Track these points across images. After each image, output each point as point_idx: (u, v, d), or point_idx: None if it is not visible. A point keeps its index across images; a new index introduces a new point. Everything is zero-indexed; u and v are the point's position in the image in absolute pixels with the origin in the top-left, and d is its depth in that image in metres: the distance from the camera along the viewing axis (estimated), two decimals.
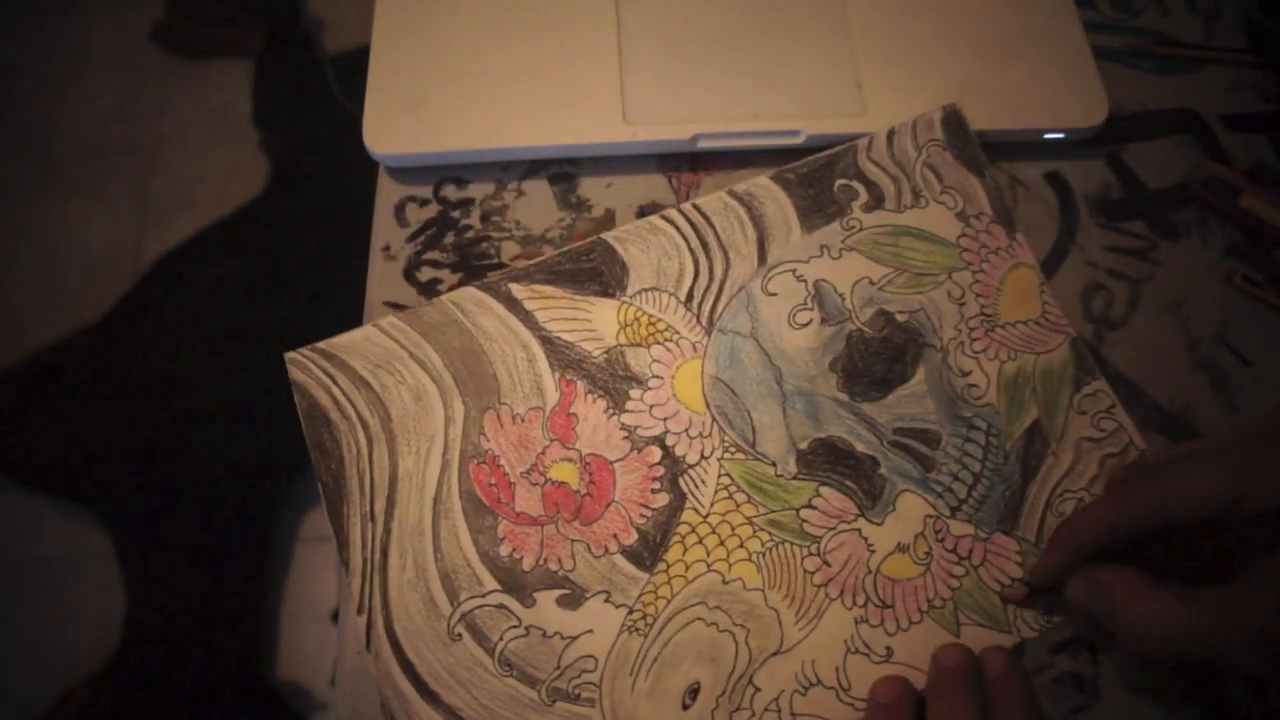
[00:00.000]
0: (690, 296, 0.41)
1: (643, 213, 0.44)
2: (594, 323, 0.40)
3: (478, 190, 0.45)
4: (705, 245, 0.42)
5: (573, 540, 0.37)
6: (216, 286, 1.22)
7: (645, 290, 0.41)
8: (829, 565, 0.37)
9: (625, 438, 0.39)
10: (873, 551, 0.37)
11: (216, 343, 1.17)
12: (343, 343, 0.40)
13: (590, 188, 0.45)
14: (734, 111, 0.44)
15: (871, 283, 0.41)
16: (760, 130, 0.43)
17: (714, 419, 0.39)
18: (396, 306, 0.42)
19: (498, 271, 0.42)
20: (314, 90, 1.32)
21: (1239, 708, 0.36)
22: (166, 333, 1.20)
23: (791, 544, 0.37)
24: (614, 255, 0.41)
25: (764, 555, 0.37)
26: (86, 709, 1.01)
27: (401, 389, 0.39)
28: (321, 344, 0.40)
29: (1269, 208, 0.43)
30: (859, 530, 0.38)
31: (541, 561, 0.37)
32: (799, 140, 0.43)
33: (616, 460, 0.38)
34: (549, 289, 0.41)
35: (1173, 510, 0.31)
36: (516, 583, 0.37)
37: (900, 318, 0.40)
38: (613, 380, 0.40)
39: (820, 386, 0.39)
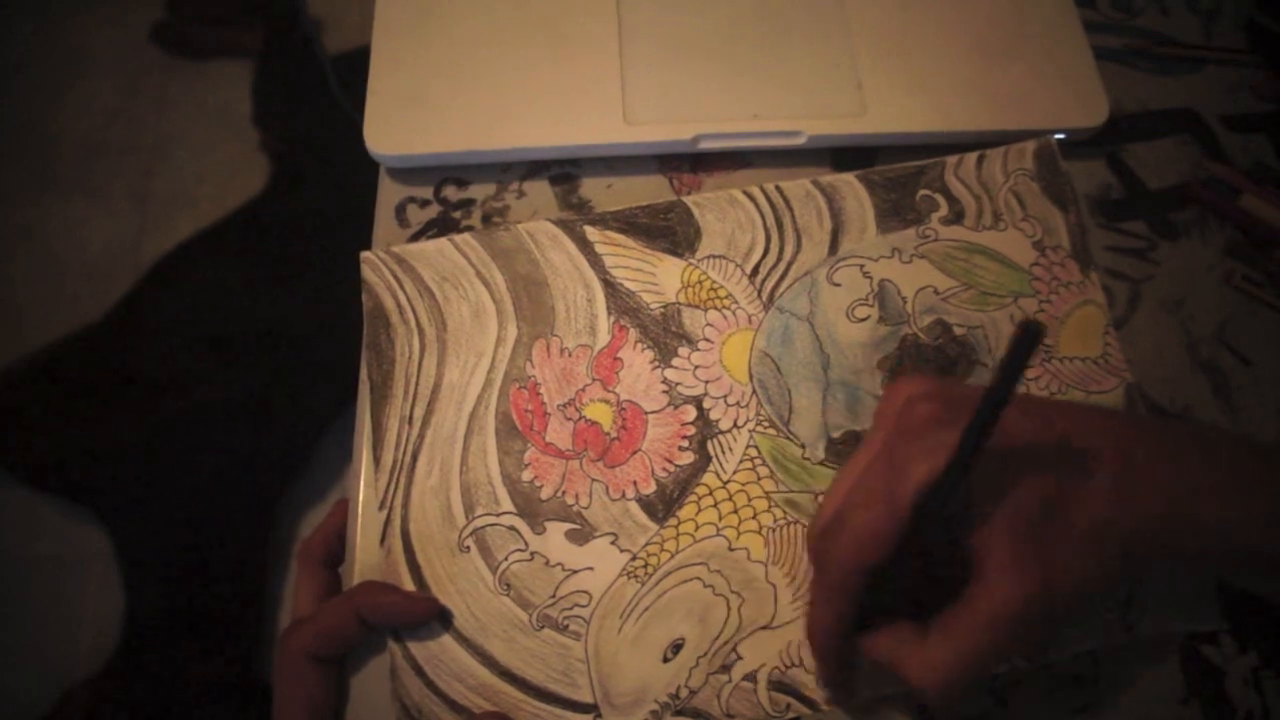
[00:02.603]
0: (756, 271, 0.42)
1: None
2: (658, 277, 0.42)
3: (479, 191, 0.45)
4: (780, 226, 0.43)
5: (593, 479, 0.39)
6: (217, 286, 1.22)
7: (713, 256, 0.42)
8: None
9: (665, 392, 0.40)
10: None
11: (216, 343, 1.17)
12: (416, 250, 0.42)
13: (591, 188, 0.45)
14: (734, 112, 0.44)
15: (936, 292, 0.42)
16: (761, 131, 0.44)
17: (754, 391, 0.40)
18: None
19: (576, 212, 0.44)
20: (314, 90, 1.32)
21: (1238, 707, 0.36)
22: (166, 333, 1.20)
23: (804, 526, 0.38)
24: (690, 218, 0.43)
25: (774, 531, 0.38)
26: (86, 710, 1.01)
27: (462, 304, 0.42)
28: (396, 248, 0.42)
29: (1269, 208, 0.43)
30: None
31: (559, 493, 0.39)
32: (800, 141, 0.44)
33: (652, 412, 0.40)
34: (621, 237, 0.43)
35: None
36: (531, 509, 0.38)
37: (958, 331, 0.41)
38: (664, 335, 0.41)
39: (865, 381, 0.40)
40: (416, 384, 0.40)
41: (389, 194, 0.45)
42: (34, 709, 1.02)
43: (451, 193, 0.45)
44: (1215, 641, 0.37)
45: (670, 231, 0.43)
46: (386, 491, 0.38)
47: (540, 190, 0.45)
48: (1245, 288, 0.43)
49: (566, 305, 0.41)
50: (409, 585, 0.37)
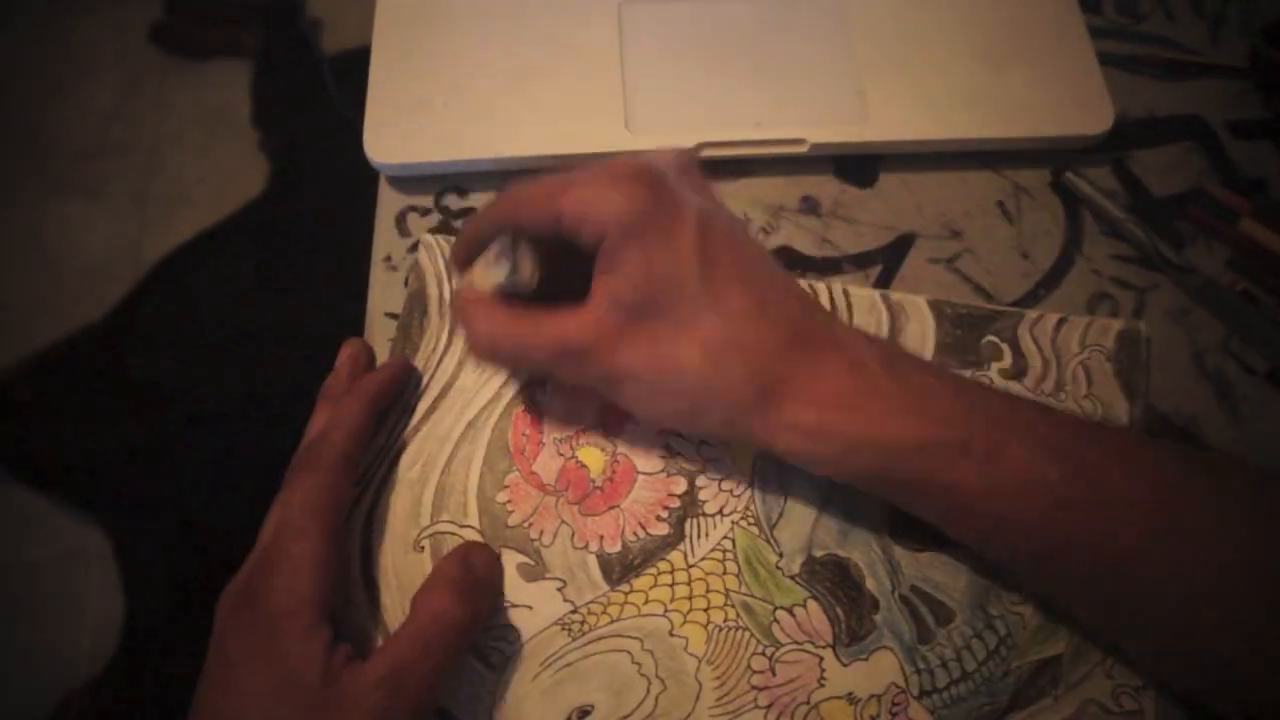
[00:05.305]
0: None
1: None
2: None
3: (480, 199, 0.45)
4: None
5: (563, 521, 0.38)
6: (216, 286, 1.23)
7: None
8: (774, 674, 0.36)
9: (663, 457, 0.39)
10: (823, 685, 0.36)
11: (216, 344, 1.17)
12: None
13: None
14: (736, 120, 0.44)
15: None
16: (764, 138, 0.43)
17: (751, 485, 0.39)
18: (398, 318, 0.42)
19: None
20: (314, 91, 1.32)
21: None
22: (166, 333, 1.20)
23: (751, 634, 0.36)
24: None
25: (720, 631, 0.37)
26: (87, 712, 1.01)
27: None
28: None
29: (1268, 233, 0.42)
30: (821, 659, 0.36)
31: (526, 524, 0.38)
32: (802, 149, 0.43)
33: (643, 473, 0.39)
34: None
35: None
36: (495, 531, 0.38)
37: None
38: None
39: (865, 510, 0.38)
40: (430, 378, 0.40)
41: (389, 202, 0.45)
42: (35, 712, 1.02)
43: (453, 201, 0.45)
44: None
45: None
46: (369, 470, 0.39)
47: None
48: (1252, 289, 0.42)
49: None
50: (354, 571, 0.37)
